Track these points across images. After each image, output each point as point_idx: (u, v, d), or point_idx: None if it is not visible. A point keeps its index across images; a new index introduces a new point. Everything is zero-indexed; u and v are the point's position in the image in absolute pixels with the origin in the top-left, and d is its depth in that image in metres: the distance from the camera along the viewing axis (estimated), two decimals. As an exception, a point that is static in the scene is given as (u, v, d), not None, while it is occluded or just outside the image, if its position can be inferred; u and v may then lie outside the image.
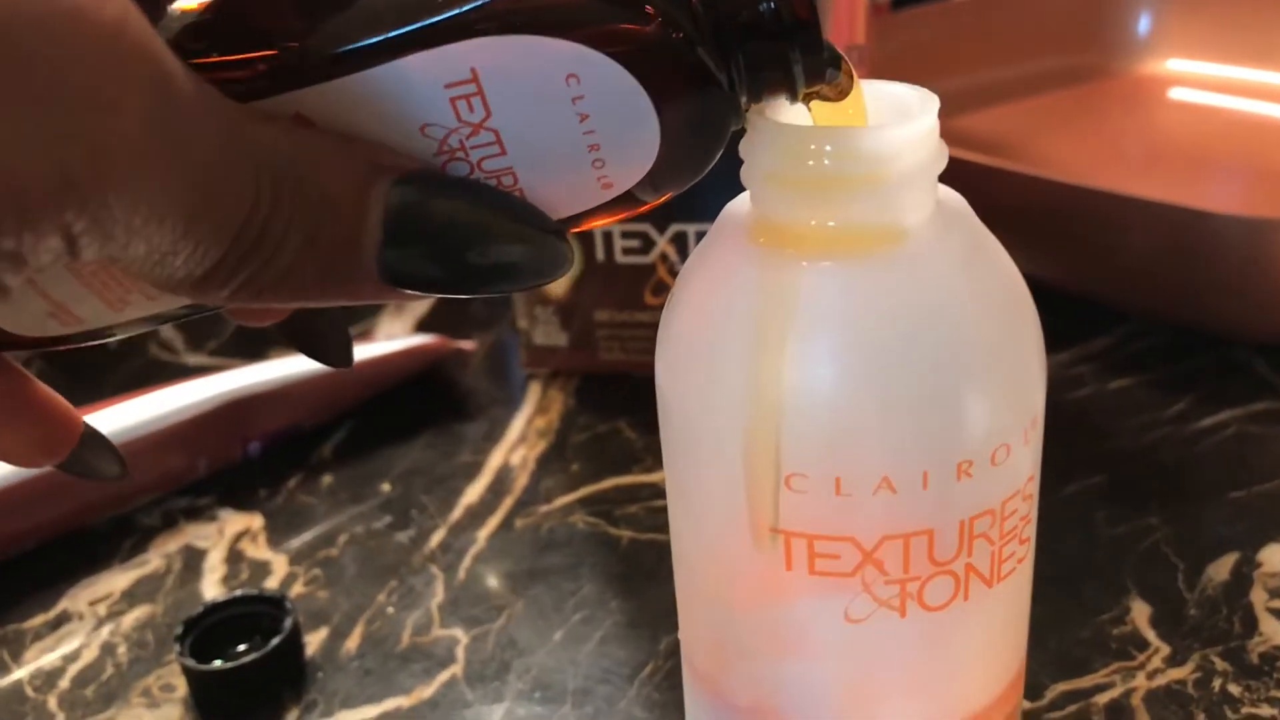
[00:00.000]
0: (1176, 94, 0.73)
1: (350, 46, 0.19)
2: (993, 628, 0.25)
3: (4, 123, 0.16)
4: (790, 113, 0.23)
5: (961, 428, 0.22)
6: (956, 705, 0.25)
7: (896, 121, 0.22)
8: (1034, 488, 0.25)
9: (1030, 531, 0.25)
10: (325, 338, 0.28)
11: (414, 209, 0.20)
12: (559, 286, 0.51)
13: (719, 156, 0.22)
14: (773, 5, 0.20)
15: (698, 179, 0.22)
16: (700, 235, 0.49)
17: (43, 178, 0.16)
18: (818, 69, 0.21)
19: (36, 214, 0.17)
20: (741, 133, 0.23)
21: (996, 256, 0.24)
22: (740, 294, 0.23)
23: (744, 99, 0.22)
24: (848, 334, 0.22)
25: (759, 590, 0.24)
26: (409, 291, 0.20)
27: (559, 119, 0.20)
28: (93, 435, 0.28)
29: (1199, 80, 0.74)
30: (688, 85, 0.20)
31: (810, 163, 0.22)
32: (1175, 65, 0.75)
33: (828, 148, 0.22)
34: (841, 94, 0.23)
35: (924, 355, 0.22)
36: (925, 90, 0.23)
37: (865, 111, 0.23)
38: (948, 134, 0.23)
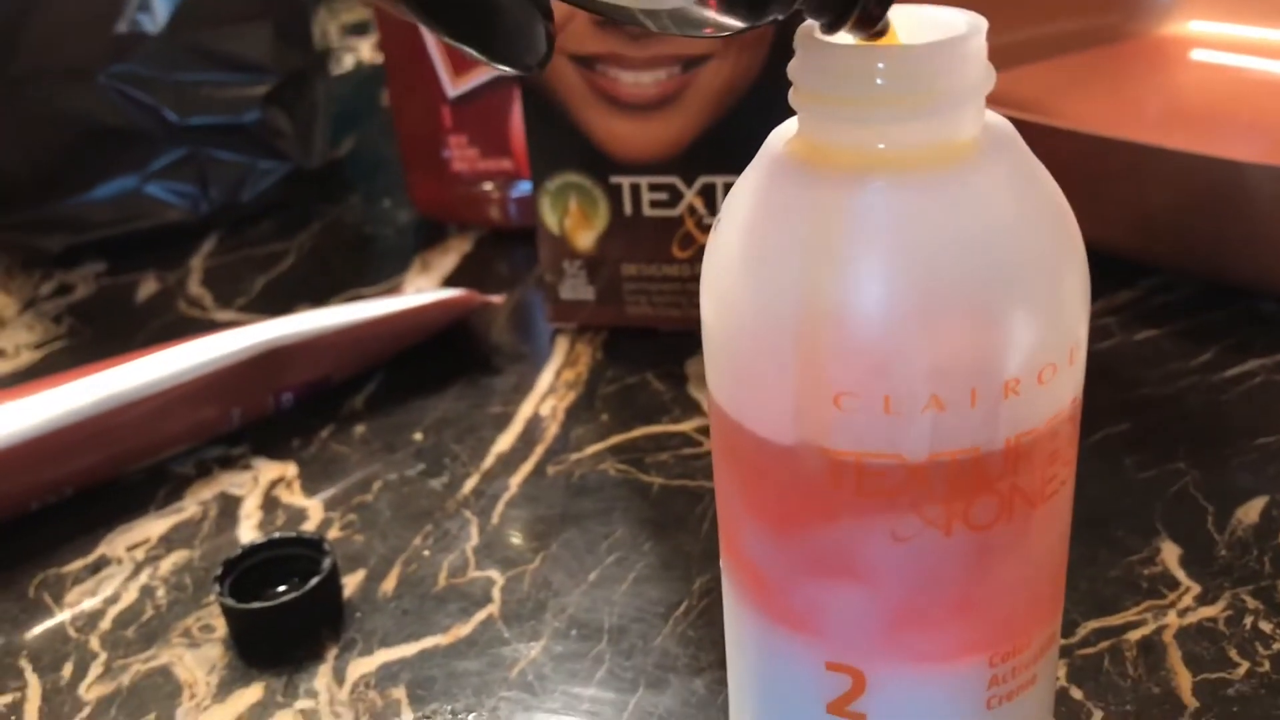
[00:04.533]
0: (1198, 55, 0.73)
1: None
2: (1035, 549, 0.25)
3: None
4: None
5: (1010, 346, 0.23)
6: (998, 626, 0.26)
7: (946, 40, 0.22)
8: (1077, 410, 0.25)
9: (1073, 454, 0.25)
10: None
11: None
12: (585, 240, 0.52)
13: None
14: None
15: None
16: (728, 188, 0.49)
17: None
18: (872, 18, 0.22)
19: None
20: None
21: (1043, 179, 0.24)
22: (788, 215, 0.23)
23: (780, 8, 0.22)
24: (896, 253, 0.22)
25: (805, 510, 0.24)
26: None
27: None
28: None
29: (1221, 41, 0.73)
30: None
31: (861, 82, 0.22)
32: (1197, 27, 0.75)
33: (880, 65, 0.22)
34: (875, 37, 0.23)
35: (973, 274, 0.22)
36: (973, 12, 0.23)
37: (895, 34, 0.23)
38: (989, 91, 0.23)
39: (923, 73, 0.22)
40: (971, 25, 0.23)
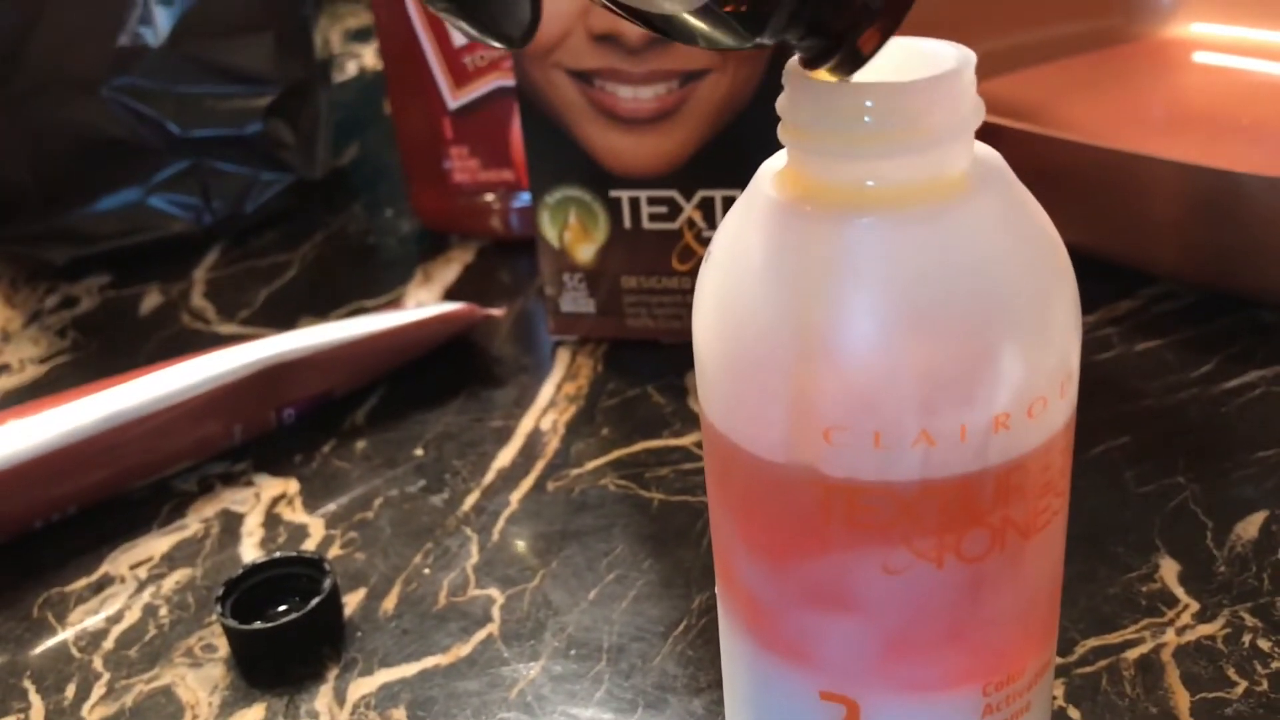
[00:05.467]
0: (1201, 58, 0.73)
1: None
2: (1029, 579, 0.25)
3: None
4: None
5: (999, 382, 0.23)
6: (992, 655, 0.26)
7: (935, 76, 0.22)
8: (1069, 440, 0.25)
9: (1065, 484, 0.25)
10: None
11: None
12: (585, 253, 0.52)
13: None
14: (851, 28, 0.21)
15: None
16: (727, 201, 0.49)
17: None
18: (847, 70, 0.22)
19: None
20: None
21: (1033, 212, 0.24)
22: (777, 251, 0.23)
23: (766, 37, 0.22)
24: (886, 290, 0.22)
25: (797, 541, 0.24)
26: None
27: None
28: None
29: (1223, 44, 0.73)
30: None
31: (849, 119, 0.22)
32: (1199, 29, 0.74)
33: (868, 103, 0.22)
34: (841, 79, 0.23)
35: (963, 310, 0.22)
36: (961, 46, 0.23)
37: None
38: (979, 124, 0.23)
39: (912, 109, 0.22)
40: (960, 60, 0.23)
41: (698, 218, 0.50)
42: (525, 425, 0.48)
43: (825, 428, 0.23)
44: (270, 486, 0.46)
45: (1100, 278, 0.52)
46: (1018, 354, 0.23)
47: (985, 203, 0.23)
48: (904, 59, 0.24)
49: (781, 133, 0.24)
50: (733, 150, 0.48)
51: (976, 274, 0.23)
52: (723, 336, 0.24)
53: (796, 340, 0.23)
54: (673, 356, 0.52)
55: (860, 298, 0.22)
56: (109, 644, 0.39)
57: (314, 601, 0.38)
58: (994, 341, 0.23)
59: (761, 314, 0.23)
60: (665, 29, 0.22)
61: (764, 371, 0.23)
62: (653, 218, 0.50)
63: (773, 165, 0.25)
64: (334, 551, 0.42)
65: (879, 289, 0.22)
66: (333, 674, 0.37)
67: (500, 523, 0.43)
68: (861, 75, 0.23)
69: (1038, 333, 0.23)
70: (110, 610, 0.41)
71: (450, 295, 0.59)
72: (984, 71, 0.23)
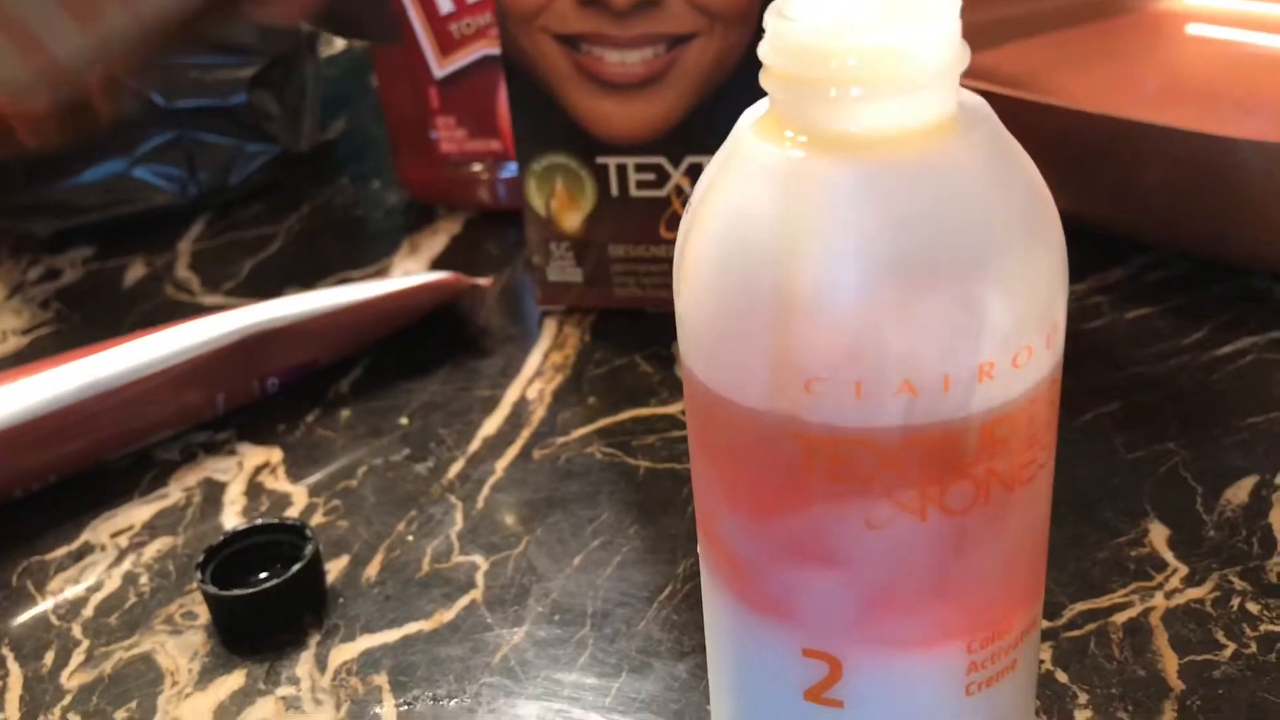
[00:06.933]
0: (1194, 29, 0.73)
1: None
2: (1013, 534, 0.25)
3: None
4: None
5: (983, 330, 0.22)
6: (977, 611, 0.25)
7: (920, 19, 0.22)
8: (1055, 393, 0.24)
9: (1051, 438, 0.25)
10: (362, 11, 0.28)
11: None
12: (572, 221, 0.51)
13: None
14: None
15: None
16: (715, 168, 0.49)
17: None
18: None
19: None
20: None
21: (1018, 159, 0.23)
22: (758, 200, 0.23)
23: None
24: (867, 237, 0.22)
25: (779, 495, 0.24)
26: None
27: None
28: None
29: (1217, 15, 0.73)
30: None
31: (832, 64, 0.22)
32: (1192, 1, 0.74)
33: (851, 46, 0.21)
34: None
35: (947, 256, 0.22)
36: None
37: None
38: (964, 70, 0.23)
39: (894, 55, 0.22)
40: (946, 3, 0.22)
41: (686, 185, 0.49)
42: (511, 394, 0.48)
43: (806, 379, 0.22)
44: (253, 455, 0.46)
45: (1092, 245, 0.52)
46: (1002, 302, 0.22)
47: (971, 149, 0.23)
48: (889, 2, 0.23)
49: (763, 79, 0.23)
50: (721, 116, 0.47)
51: (961, 220, 0.22)
52: (704, 286, 0.24)
53: (777, 289, 0.22)
54: (660, 325, 0.51)
55: (842, 245, 0.22)
56: (88, 612, 0.39)
57: (295, 568, 0.37)
58: (978, 289, 0.22)
59: (742, 262, 0.23)
60: None
61: (744, 321, 0.23)
62: (640, 185, 0.50)
63: (754, 113, 0.25)
64: (317, 520, 0.42)
65: (860, 236, 0.22)
66: (314, 640, 0.37)
67: (485, 490, 0.42)
68: (848, 19, 0.22)
69: (1022, 281, 0.23)
70: (90, 579, 0.40)
71: (437, 266, 0.59)
72: (977, 44, 0.22)
